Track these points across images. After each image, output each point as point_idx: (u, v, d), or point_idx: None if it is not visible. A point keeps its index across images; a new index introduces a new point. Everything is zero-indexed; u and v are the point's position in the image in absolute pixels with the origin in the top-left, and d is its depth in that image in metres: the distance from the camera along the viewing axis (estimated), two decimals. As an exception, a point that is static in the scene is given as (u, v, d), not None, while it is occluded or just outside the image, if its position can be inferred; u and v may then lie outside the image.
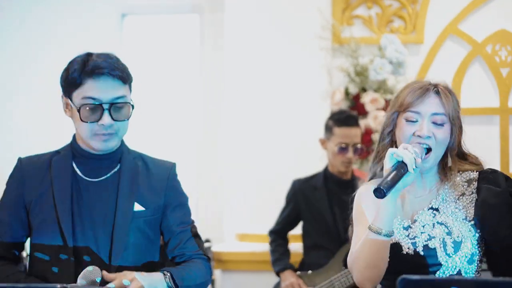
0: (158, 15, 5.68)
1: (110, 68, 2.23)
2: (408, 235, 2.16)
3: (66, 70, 2.28)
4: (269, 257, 4.11)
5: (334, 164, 3.93)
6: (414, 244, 2.14)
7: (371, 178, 2.30)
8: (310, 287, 3.87)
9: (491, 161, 2.38)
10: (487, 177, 2.19)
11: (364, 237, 2.10)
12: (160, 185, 2.36)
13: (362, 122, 4.39)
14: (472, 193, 2.18)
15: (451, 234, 2.13)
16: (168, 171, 2.40)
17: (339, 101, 4.60)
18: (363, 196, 2.24)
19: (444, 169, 2.24)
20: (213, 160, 5.19)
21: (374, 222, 2.07)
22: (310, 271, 3.92)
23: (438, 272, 2.12)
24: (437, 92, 2.19)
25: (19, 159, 2.38)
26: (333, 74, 4.68)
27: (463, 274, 2.12)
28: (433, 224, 2.16)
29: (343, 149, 3.87)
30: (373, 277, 2.10)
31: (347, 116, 3.99)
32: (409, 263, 2.13)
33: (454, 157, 2.21)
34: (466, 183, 2.20)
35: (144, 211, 2.31)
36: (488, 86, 4.73)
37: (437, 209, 2.19)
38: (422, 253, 2.13)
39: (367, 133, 4.48)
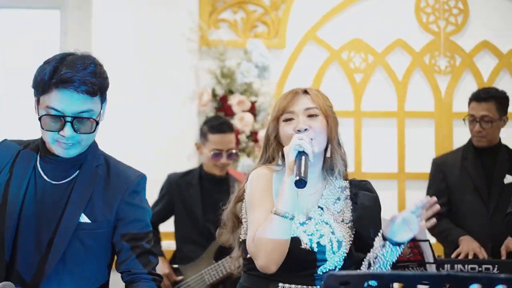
0: (17, 9, 5.51)
1: (79, 82, 2.13)
2: (305, 231, 2.35)
3: (38, 71, 2.21)
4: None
5: (209, 167, 4.06)
6: (310, 240, 2.34)
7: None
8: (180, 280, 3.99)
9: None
10: (359, 185, 2.47)
11: (269, 222, 2.25)
12: (114, 199, 2.26)
13: (229, 123, 4.55)
14: (347, 198, 2.45)
15: (334, 233, 2.37)
16: (127, 184, 2.28)
17: (206, 102, 4.74)
18: (275, 180, 2.38)
19: (326, 167, 2.46)
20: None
21: (279, 207, 2.24)
22: (181, 265, 4.03)
23: (321, 267, 2.34)
24: (306, 92, 2.44)
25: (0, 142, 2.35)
26: (200, 76, 4.80)
27: (336, 270, 2.35)
28: (322, 222, 2.38)
29: (217, 155, 3.99)
30: (278, 259, 2.25)
31: (221, 122, 4.10)
32: (302, 257, 2.32)
33: (334, 146, 2.43)
34: (339, 189, 2.47)
35: (90, 224, 2.23)
36: (344, 90, 5.07)
37: (322, 208, 2.41)
38: (316, 249, 2.33)
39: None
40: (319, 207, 2.40)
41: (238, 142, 4.65)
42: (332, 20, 5.12)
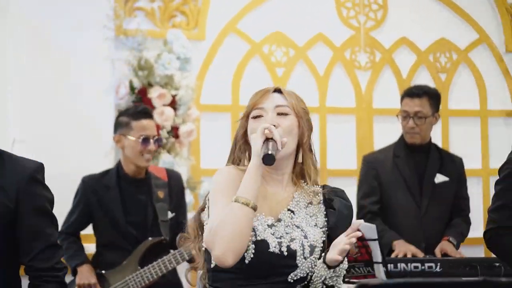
0: None
1: None
2: (273, 234, 2.20)
3: None
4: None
5: (134, 159, 3.79)
6: (280, 243, 2.19)
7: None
8: None
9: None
10: (334, 191, 2.35)
11: (229, 210, 2.12)
12: (12, 186, 2.22)
13: (149, 118, 4.30)
14: (319, 203, 2.31)
15: (307, 237, 2.23)
16: (26, 171, 2.24)
17: (124, 95, 4.45)
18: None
19: (296, 172, 2.34)
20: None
21: (241, 194, 2.13)
22: (103, 271, 3.77)
23: (292, 274, 2.19)
24: (278, 91, 2.35)
25: None
26: (116, 67, 4.51)
27: (308, 277, 2.22)
28: (293, 226, 2.24)
29: (146, 141, 3.77)
30: (236, 249, 2.11)
31: (143, 108, 3.93)
32: (271, 262, 2.17)
33: (306, 151, 2.32)
34: (312, 193, 2.32)
35: None
36: (265, 84, 4.81)
37: (293, 212, 2.27)
38: (285, 253, 2.18)
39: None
40: (289, 210, 2.27)
41: (159, 136, 4.42)
42: (253, 12, 4.96)
